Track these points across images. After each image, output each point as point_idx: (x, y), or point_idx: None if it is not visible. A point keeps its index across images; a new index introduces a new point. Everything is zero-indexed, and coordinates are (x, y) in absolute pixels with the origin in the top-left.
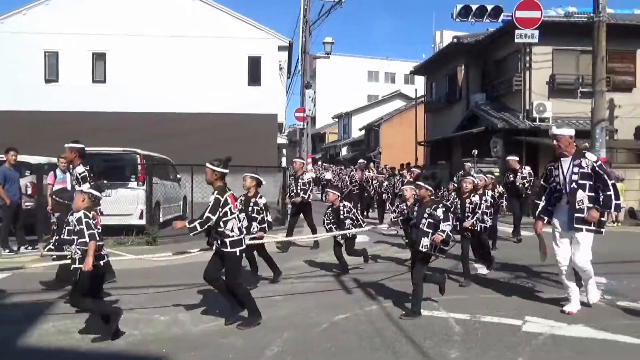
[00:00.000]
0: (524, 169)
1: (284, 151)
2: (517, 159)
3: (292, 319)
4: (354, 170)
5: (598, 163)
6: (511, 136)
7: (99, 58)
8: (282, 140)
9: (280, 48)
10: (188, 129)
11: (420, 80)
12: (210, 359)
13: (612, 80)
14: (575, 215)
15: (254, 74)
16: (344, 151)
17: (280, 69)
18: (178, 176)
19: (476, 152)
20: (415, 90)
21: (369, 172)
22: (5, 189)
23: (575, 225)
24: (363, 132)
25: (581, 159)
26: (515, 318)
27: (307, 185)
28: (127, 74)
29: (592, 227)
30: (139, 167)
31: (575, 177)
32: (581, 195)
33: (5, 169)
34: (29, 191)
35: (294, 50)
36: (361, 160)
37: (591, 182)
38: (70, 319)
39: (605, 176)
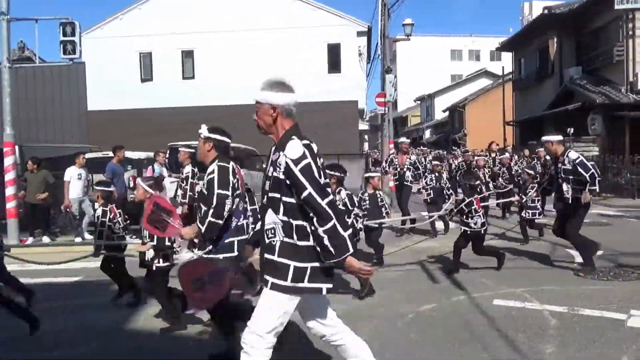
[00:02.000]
0: None
1: (366, 137)
2: None
3: (378, 309)
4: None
5: (296, 156)
6: (612, 112)
7: (187, 55)
8: (363, 126)
9: (359, 33)
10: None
11: (507, 57)
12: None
13: None
14: (265, 256)
15: (334, 61)
16: (427, 134)
17: (360, 54)
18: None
19: (572, 130)
20: (502, 67)
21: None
22: (113, 183)
23: (265, 276)
24: (447, 113)
25: (280, 153)
26: (619, 312)
27: (186, 182)
28: (213, 68)
29: (285, 283)
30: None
31: (267, 185)
32: (270, 218)
33: (114, 165)
34: (131, 184)
35: (373, 35)
36: (403, 140)
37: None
38: None
39: (306, 184)
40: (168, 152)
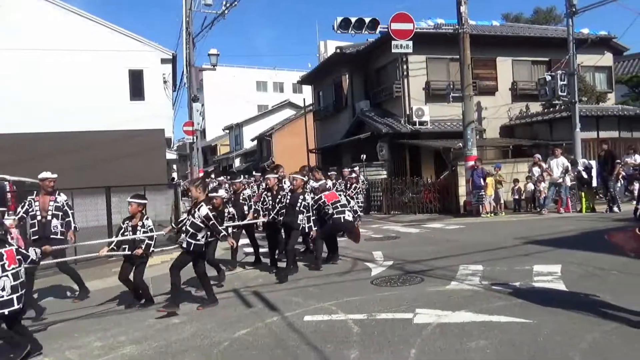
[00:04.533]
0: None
1: (174, 166)
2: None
3: (192, 341)
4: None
5: None
6: (395, 140)
7: None
8: (171, 155)
9: (164, 61)
10: (66, 149)
11: (308, 89)
12: None
13: (477, 85)
14: None
15: (137, 88)
16: (237, 162)
17: (165, 82)
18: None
19: (364, 156)
20: (304, 99)
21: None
22: None
23: None
24: (255, 142)
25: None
26: (407, 312)
27: None
28: None
29: None
30: (9, 196)
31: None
32: None
33: None
34: None
35: (179, 63)
36: (45, 176)
37: None
38: None
39: None
40: None
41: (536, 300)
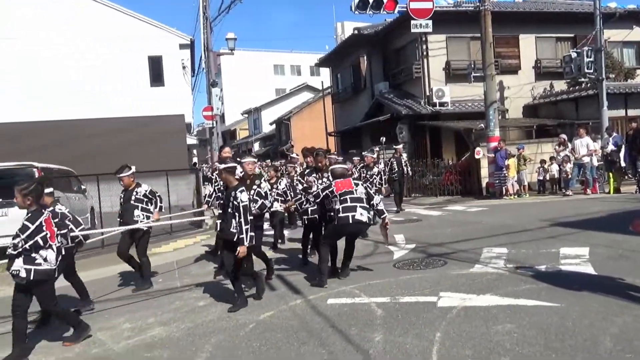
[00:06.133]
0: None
1: (195, 151)
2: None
3: (219, 323)
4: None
5: None
6: (415, 121)
7: None
8: (191, 140)
9: (182, 46)
10: (90, 135)
11: (325, 72)
12: None
13: (500, 63)
14: None
15: (156, 74)
16: (256, 147)
17: (184, 67)
18: (83, 187)
19: (384, 138)
20: (322, 82)
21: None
22: None
23: None
24: (274, 126)
25: None
26: (431, 295)
27: None
28: (17, 79)
29: None
30: None
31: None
32: None
33: None
34: None
35: (197, 48)
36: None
37: None
38: None
39: None
40: None
41: (563, 283)
